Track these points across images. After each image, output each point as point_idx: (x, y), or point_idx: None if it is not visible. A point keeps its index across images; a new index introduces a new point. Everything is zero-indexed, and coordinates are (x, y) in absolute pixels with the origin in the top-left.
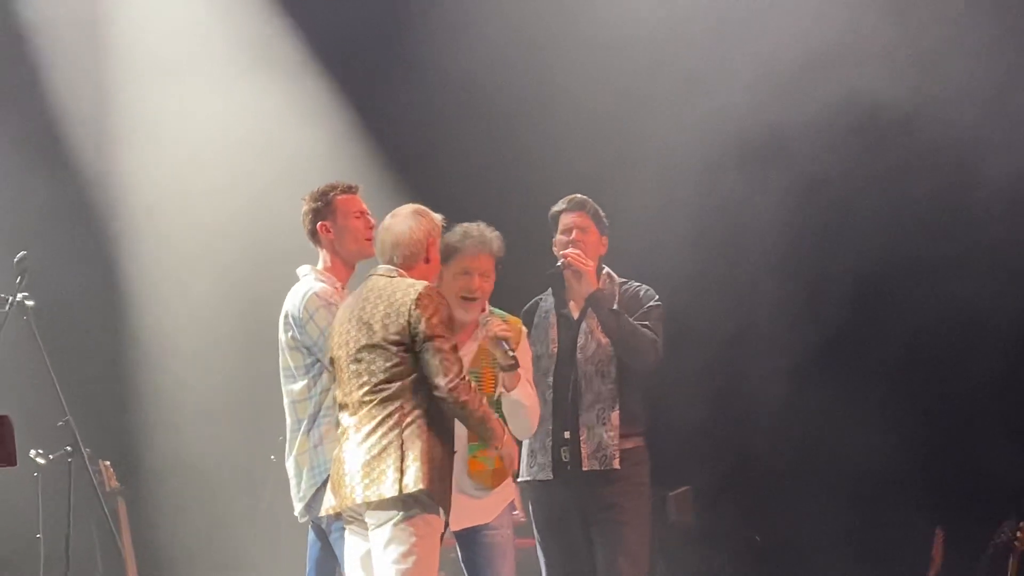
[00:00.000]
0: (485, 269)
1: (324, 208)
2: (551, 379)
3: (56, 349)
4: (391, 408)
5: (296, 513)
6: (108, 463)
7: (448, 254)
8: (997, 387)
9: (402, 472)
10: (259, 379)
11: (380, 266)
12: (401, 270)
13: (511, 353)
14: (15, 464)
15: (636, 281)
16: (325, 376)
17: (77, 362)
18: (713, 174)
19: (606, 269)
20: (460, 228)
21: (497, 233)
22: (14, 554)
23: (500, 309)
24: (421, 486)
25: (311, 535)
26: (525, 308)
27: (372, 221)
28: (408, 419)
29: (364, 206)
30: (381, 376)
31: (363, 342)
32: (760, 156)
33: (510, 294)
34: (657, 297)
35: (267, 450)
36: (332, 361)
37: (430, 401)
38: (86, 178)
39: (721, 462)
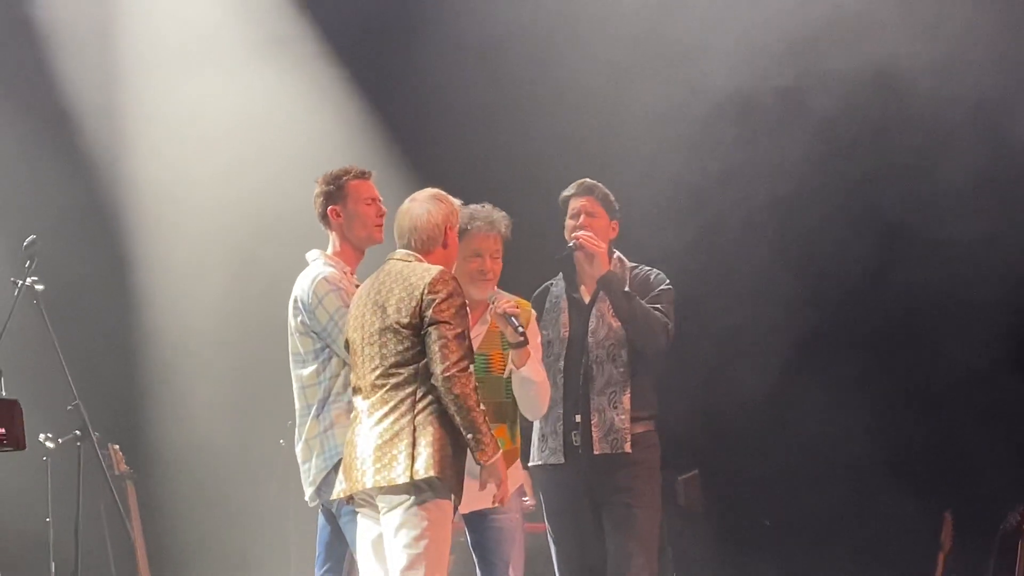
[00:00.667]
0: (494, 249)
1: (336, 192)
2: (562, 363)
3: (65, 333)
4: (404, 393)
5: (306, 497)
6: (117, 447)
7: (460, 235)
8: (1004, 372)
9: (413, 458)
10: (269, 363)
11: (398, 250)
12: (419, 255)
13: (520, 329)
14: (24, 448)
15: (647, 265)
16: (334, 361)
17: (86, 346)
18: (712, 147)
19: (617, 253)
20: (467, 210)
21: (504, 213)
22: (24, 537)
23: (510, 294)
24: (432, 473)
25: (321, 519)
26: (536, 293)
27: (383, 208)
28: (420, 404)
29: (376, 193)
30: (393, 360)
31: (377, 325)
32: (755, 128)
33: (521, 279)
34: (668, 281)
35: (276, 434)
36: (347, 344)
37: None
38: (96, 164)
39: (730, 447)
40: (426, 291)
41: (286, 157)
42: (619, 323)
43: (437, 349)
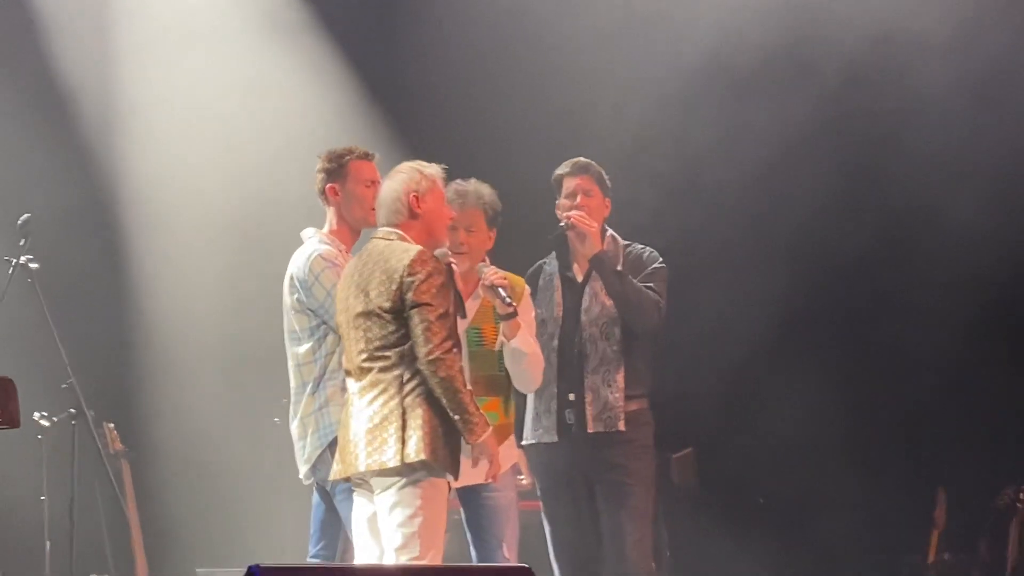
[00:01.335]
0: (469, 223)
1: (336, 170)
2: (556, 342)
3: (60, 312)
4: (391, 376)
5: (301, 475)
6: (112, 425)
7: None
8: (996, 351)
9: (404, 442)
10: (264, 341)
11: (380, 228)
12: (397, 230)
13: (508, 300)
14: (19, 426)
15: (640, 244)
16: (330, 338)
17: (81, 325)
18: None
19: (610, 231)
20: (451, 184)
21: (486, 188)
22: (18, 516)
23: (502, 270)
24: (423, 456)
25: (315, 497)
26: (529, 271)
27: None
28: (408, 386)
29: (377, 175)
30: (379, 343)
31: (360, 308)
32: (743, 93)
33: (515, 257)
34: (661, 259)
35: (271, 412)
36: (336, 325)
37: None
38: (92, 145)
39: (724, 424)
40: (405, 273)
41: (284, 138)
42: (612, 301)
43: (420, 332)
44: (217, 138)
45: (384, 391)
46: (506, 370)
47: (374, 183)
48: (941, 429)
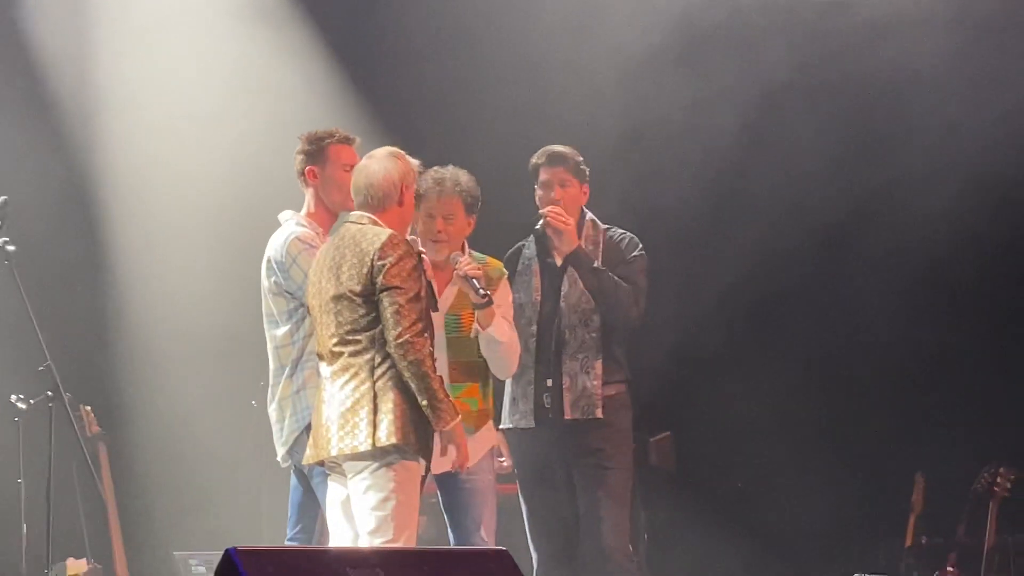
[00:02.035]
0: (447, 211)
1: (316, 153)
2: (535, 328)
3: (37, 294)
4: (363, 360)
5: (278, 458)
6: (89, 408)
7: (417, 198)
8: (974, 334)
9: (375, 426)
10: (242, 324)
11: (353, 212)
12: (374, 215)
13: (481, 291)
14: None
15: (620, 228)
16: (308, 321)
17: (58, 307)
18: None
19: (589, 215)
20: (429, 172)
21: (464, 174)
22: None
23: (480, 254)
24: (394, 440)
25: (293, 480)
26: (508, 253)
27: None
28: (380, 370)
29: (356, 159)
30: (349, 327)
31: (331, 292)
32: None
33: (494, 240)
34: (641, 247)
35: (248, 395)
36: (309, 308)
37: None
38: (70, 126)
39: (703, 408)
40: (376, 257)
41: (266, 123)
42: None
43: (390, 316)
44: (198, 122)
45: (355, 375)
46: (484, 356)
47: (352, 167)
48: (919, 413)
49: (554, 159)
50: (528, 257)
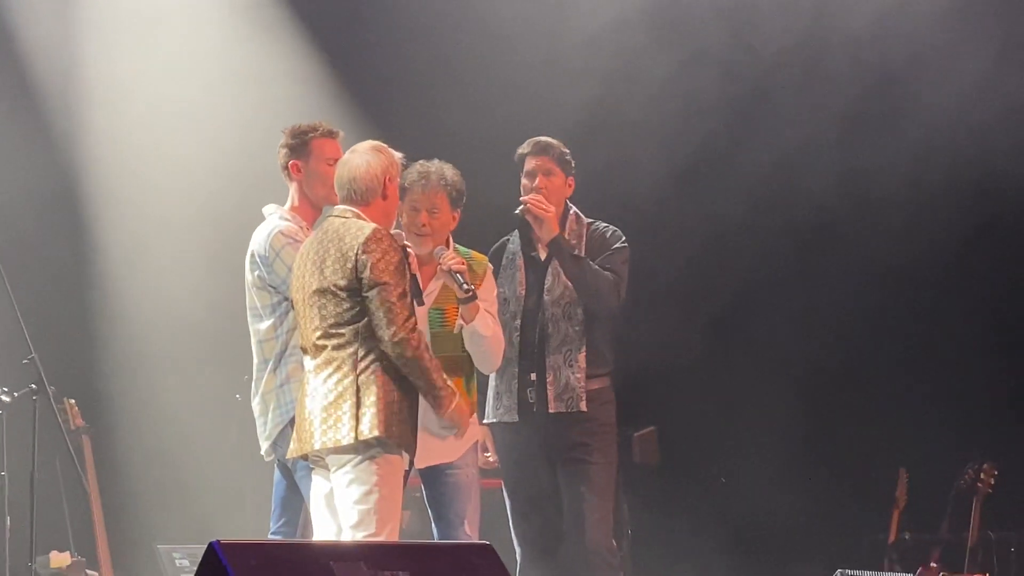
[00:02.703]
0: (431, 204)
1: (299, 147)
2: (518, 321)
3: (21, 287)
4: (346, 353)
5: (262, 452)
6: (73, 401)
7: (402, 192)
8: (958, 330)
9: (358, 419)
10: (226, 318)
11: (336, 206)
12: (357, 209)
13: (465, 286)
14: None
15: (603, 222)
16: (292, 315)
17: (43, 300)
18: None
19: (573, 209)
20: (415, 165)
21: (450, 168)
22: None
23: (466, 248)
24: (377, 433)
25: (277, 474)
26: (492, 248)
27: None
28: (363, 364)
29: (340, 153)
30: (333, 321)
31: (315, 286)
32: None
33: (480, 233)
34: (624, 239)
35: (232, 389)
36: (292, 302)
37: None
38: (55, 121)
39: (687, 402)
40: (360, 251)
41: (252, 118)
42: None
43: (383, 314)
44: (184, 116)
45: (338, 368)
46: (468, 351)
47: (337, 161)
48: (902, 408)
49: (540, 149)
50: (512, 251)
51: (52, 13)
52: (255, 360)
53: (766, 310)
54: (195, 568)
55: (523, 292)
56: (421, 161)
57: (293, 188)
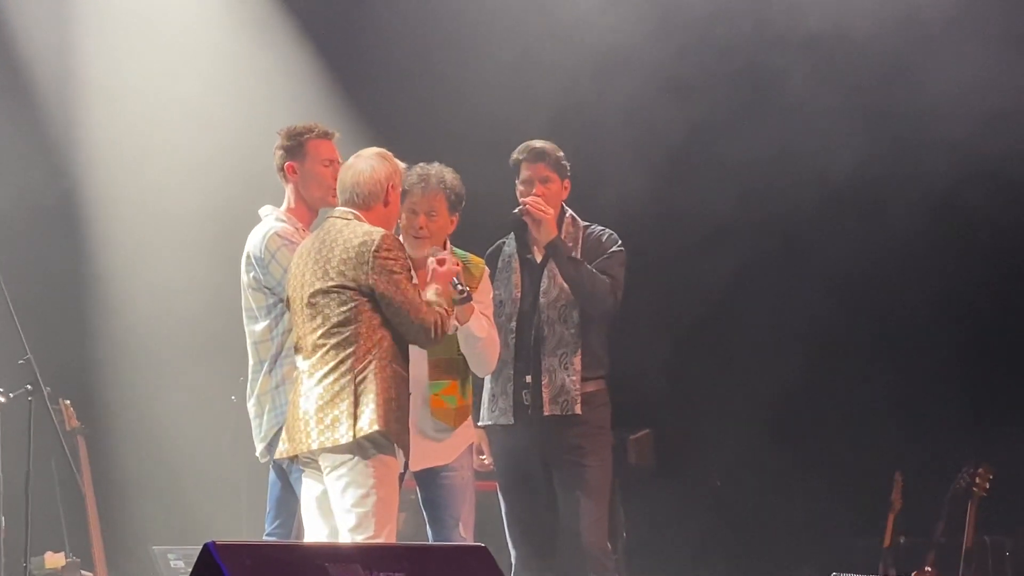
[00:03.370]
0: (429, 208)
1: (295, 148)
2: (514, 324)
3: (17, 287)
4: (345, 353)
5: (257, 453)
6: (68, 402)
7: (402, 193)
8: (956, 333)
9: (355, 417)
10: (222, 319)
11: (338, 208)
12: (359, 212)
13: (460, 287)
14: None
15: (599, 225)
16: (287, 317)
17: (38, 301)
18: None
19: (569, 212)
20: (415, 168)
21: (449, 172)
22: None
23: (462, 251)
24: (376, 427)
25: (272, 475)
26: (489, 250)
27: None
28: (362, 363)
29: (336, 155)
30: (335, 320)
31: (317, 286)
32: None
33: (477, 236)
34: (620, 242)
35: (228, 390)
36: (288, 302)
37: (385, 344)
38: (51, 122)
39: (682, 406)
40: (373, 258)
41: (248, 120)
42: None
43: (417, 326)
44: (181, 117)
45: (336, 368)
46: (463, 353)
47: (333, 162)
48: (898, 411)
49: (535, 156)
50: (508, 254)
51: (49, 14)
52: (250, 362)
53: (762, 313)
54: (190, 569)
55: (519, 294)
56: (421, 164)
57: (289, 189)
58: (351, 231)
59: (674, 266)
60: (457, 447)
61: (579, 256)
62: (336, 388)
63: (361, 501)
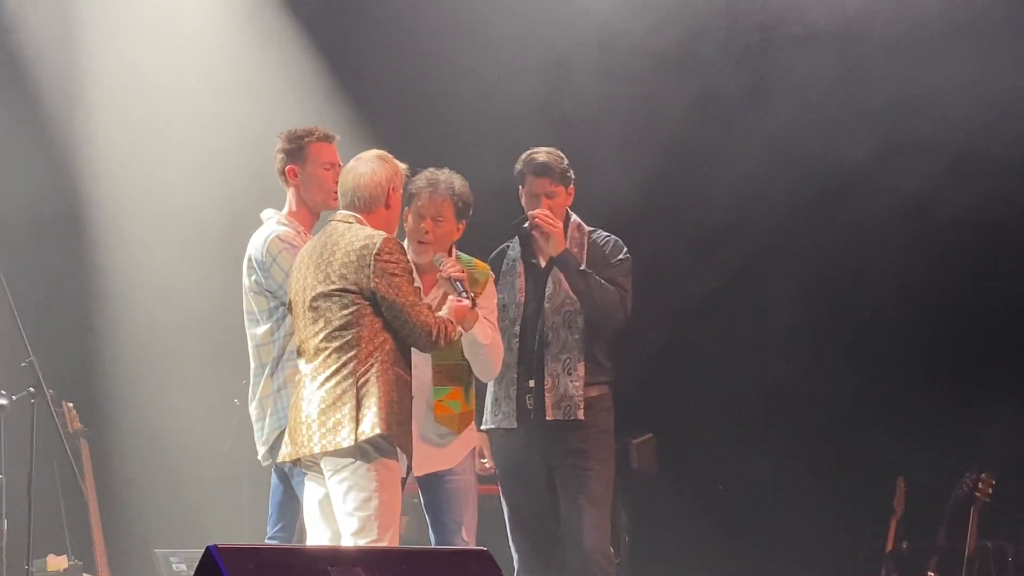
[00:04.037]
0: (436, 212)
1: (296, 152)
2: (518, 328)
3: (20, 290)
4: (347, 356)
5: (259, 457)
6: (71, 404)
7: (408, 198)
8: (957, 339)
9: (358, 421)
10: (225, 322)
11: (340, 211)
12: (361, 216)
13: (465, 294)
14: None
15: (604, 231)
16: (288, 320)
17: (41, 303)
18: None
19: (574, 217)
20: (423, 172)
21: (458, 178)
22: None
23: (467, 255)
24: (378, 431)
25: (274, 479)
26: (493, 255)
27: None
28: (364, 367)
29: (337, 158)
30: (338, 323)
31: (320, 289)
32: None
33: (480, 241)
34: (625, 249)
35: (231, 393)
36: (290, 305)
37: (387, 348)
38: (53, 124)
39: (685, 410)
40: (376, 260)
41: (250, 122)
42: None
43: (420, 330)
44: (183, 119)
45: (338, 371)
46: (467, 359)
47: (334, 166)
48: (901, 417)
49: (539, 170)
50: (512, 258)
51: (52, 15)
52: (252, 365)
53: (766, 318)
54: (192, 572)
55: (523, 299)
56: (431, 168)
57: (290, 193)
58: (353, 235)
59: (674, 266)
60: (460, 451)
61: (584, 263)
62: (338, 392)
63: (363, 505)
